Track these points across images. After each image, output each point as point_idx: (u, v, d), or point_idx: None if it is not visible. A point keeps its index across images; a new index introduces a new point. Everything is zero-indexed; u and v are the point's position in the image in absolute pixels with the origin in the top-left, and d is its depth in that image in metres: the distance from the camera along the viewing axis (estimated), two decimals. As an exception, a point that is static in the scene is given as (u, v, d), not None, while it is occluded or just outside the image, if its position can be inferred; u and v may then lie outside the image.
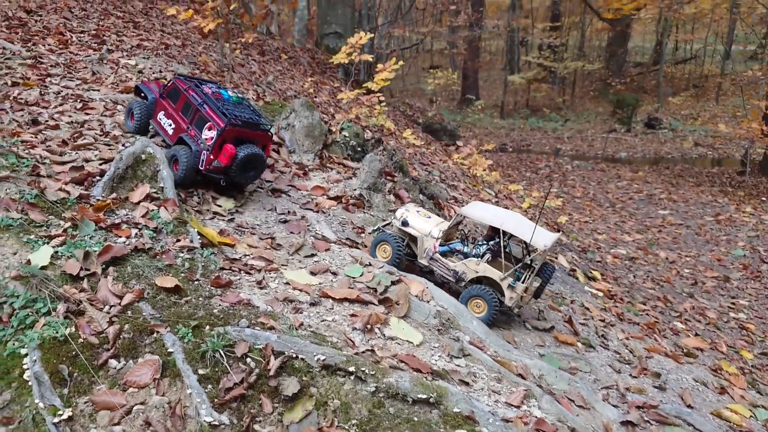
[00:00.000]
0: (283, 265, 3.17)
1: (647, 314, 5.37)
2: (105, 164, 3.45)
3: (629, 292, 6.12)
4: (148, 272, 2.70)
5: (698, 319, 5.91)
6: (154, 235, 3.00)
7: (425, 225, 3.62)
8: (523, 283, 3.27)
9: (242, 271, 2.99)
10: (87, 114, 4.34)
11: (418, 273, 3.62)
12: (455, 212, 5.66)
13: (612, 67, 32.21)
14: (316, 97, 8.58)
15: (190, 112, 3.68)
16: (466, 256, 3.52)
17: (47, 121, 4.04)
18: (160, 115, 3.90)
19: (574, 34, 37.21)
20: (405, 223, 3.66)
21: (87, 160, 3.48)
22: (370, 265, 3.33)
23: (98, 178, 3.31)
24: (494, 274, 3.35)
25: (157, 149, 3.63)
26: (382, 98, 6.59)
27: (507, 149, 24.15)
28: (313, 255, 3.38)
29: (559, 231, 4.05)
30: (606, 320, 4.49)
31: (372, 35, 7.35)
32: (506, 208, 7.70)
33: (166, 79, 5.32)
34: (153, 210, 3.18)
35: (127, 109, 4.13)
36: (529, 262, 3.34)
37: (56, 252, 2.67)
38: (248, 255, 3.17)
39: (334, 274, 3.17)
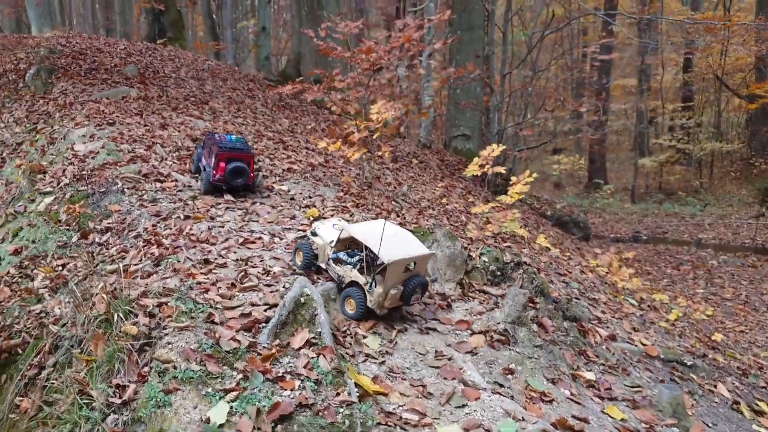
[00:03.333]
0: (435, 418, 3.16)
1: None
2: (269, 309, 3.70)
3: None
4: (312, 432, 2.80)
5: None
6: (316, 387, 3.13)
7: (330, 235, 4.29)
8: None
9: (398, 426, 3.02)
10: (249, 249, 4.73)
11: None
12: (597, 334, 5.38)
13: (755, 146, 29.97)
14: (448, 204, 8.76)
15: (208, 150, 5.81)
16: (346, 263, 4.14)
17: (216, 259, 4.45)
18: (203, 159, 5.99)
19: (708, 112, 35.31)
20: (314, 233, 4.41)
21: (253, 304, 3.75)
22: (523, 419, 3.23)
23: (264, 324, 3.55)
24: (360, 279, 3.93)
25: (315, 291, 3.86)
26: (516, 213, 6.58)
27: (641, 237, 22.83)
28: (464, 405, 3.34)
29: (431, 254, 4.11)
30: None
31: (504, 146, 7.46)
32: (651, 321, 7.21)
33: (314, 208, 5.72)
34: (313, 358, 3.33)
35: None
36: (374, 270, 3.85)
37: (231, 407, 2.86)
38: (402, 406, 3.20)
39: (487, 431, 3.11)
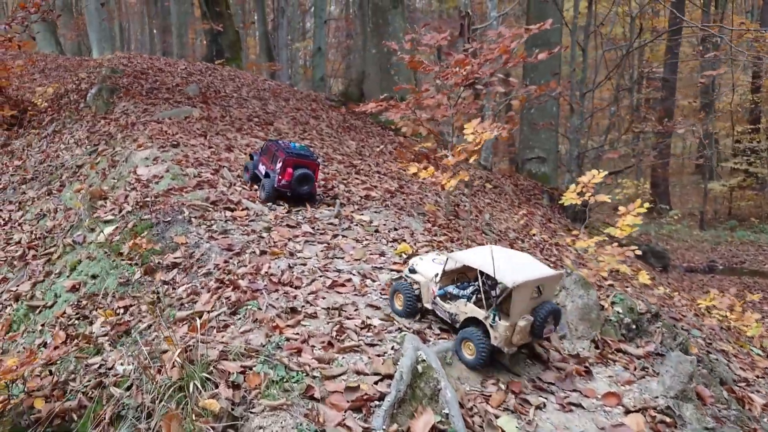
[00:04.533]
0: None
1: None
2: (381, 382, 2.93)
3: None
4: None
5: None
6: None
7: (431, 271, 3.64)
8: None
9: None
10: (339, 293, 4.00)
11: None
12: (753, 403, 4.42)
13: (831, 170, 27.93)
14: (534, 235, 7.88)
15: (271, 157, 5.76)
16: (458, 297, 3.46)
17: (303, 307, 3.73)
18: (260, 166, 6.02)
19: (780, 135, 33.25)
20: (413, 271, 3.75)
21: (359, 373, 2.99)
22: None
23: (376, 403, 2.78)
24: (478, 313, 3.26)
25: (432, 356, 3.08)
26: (636, 250, 5.68)
27: (717, 267, 21.26)
28: None
29: (560, 274, 3.39)
30: None
31: (605, 172, 6.56)
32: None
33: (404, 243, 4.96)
34: (446, 453, 2.54)
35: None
36: (494, 297, 3.25)
37: None
38: None
39: None
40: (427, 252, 4.79)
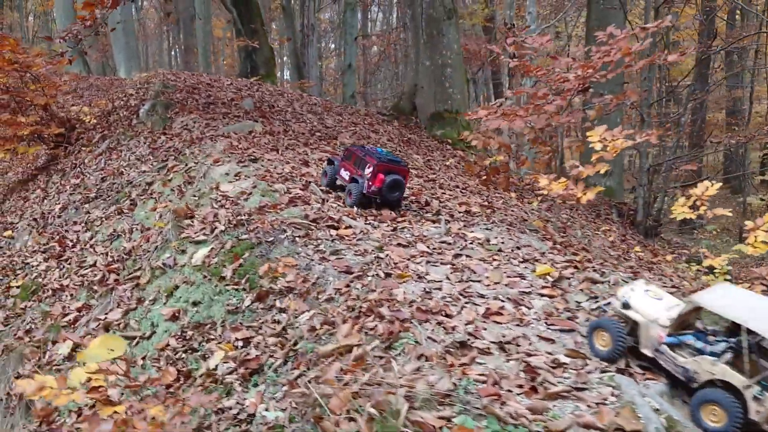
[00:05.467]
0: None
1: None
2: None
3: None
4: None
5: None
6: None
7: (652, 309, 3.03)
8: None
9: None
10: (498, 323, 3.47)
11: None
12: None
13: None
14: (637, 253, 7.32)
15: (357, 162, 5.56)
16: (700, 352, 2.80)
17: (469, 340, 3.20)
18: (342, 172, 5.81)
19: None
20: (626, 306, 3.10)
21: (588, 427, 2.45)
22: None
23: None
24: (735, 379, 2.59)
25: (668, 407, 2.53)
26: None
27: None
28: None
29: None
30: None
31: (719, 183, 6.02)
32: None
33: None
34: None
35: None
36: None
37: None
38: None
39: None
40: (613, 278, 4.19)
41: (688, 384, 2.79)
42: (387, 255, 4.48)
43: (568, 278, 4.15)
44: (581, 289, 3.98)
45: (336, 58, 34.00)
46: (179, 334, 4.16)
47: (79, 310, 5.17)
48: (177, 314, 4.36)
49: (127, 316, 4.63)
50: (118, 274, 5.30)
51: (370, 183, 5.39)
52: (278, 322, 3.82)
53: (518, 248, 4.90)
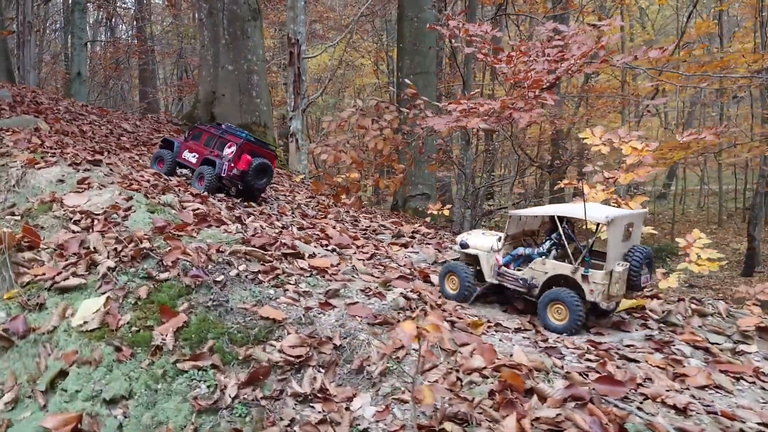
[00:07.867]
0: None
1: None
2: None
3: None
4: None
5: None
6: None
7: (486, 241, 3.27)
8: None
9: None
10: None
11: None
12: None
13: None
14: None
15: (211, 142, 4.83)
16: (530, 258, 3.06)
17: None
18: (185, 154, 4.97)
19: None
20: (464, 245, 3.33)
21: None
22: None
23: None
24: (564, 269, 2.86)
25: None
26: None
27: None
28: None
29: (644, 211, 3.32)
30: None
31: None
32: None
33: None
34: None
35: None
36: (590, 243, 2.87)
37: None
38: None
39: None
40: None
41: (532, 297, 2.95)
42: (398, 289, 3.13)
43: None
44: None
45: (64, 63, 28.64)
46: None
47: None
48: (78, 426, 2.32)
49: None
50: None
51: (232, 165, 4.64)
52: (311, 425, 2.21)
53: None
